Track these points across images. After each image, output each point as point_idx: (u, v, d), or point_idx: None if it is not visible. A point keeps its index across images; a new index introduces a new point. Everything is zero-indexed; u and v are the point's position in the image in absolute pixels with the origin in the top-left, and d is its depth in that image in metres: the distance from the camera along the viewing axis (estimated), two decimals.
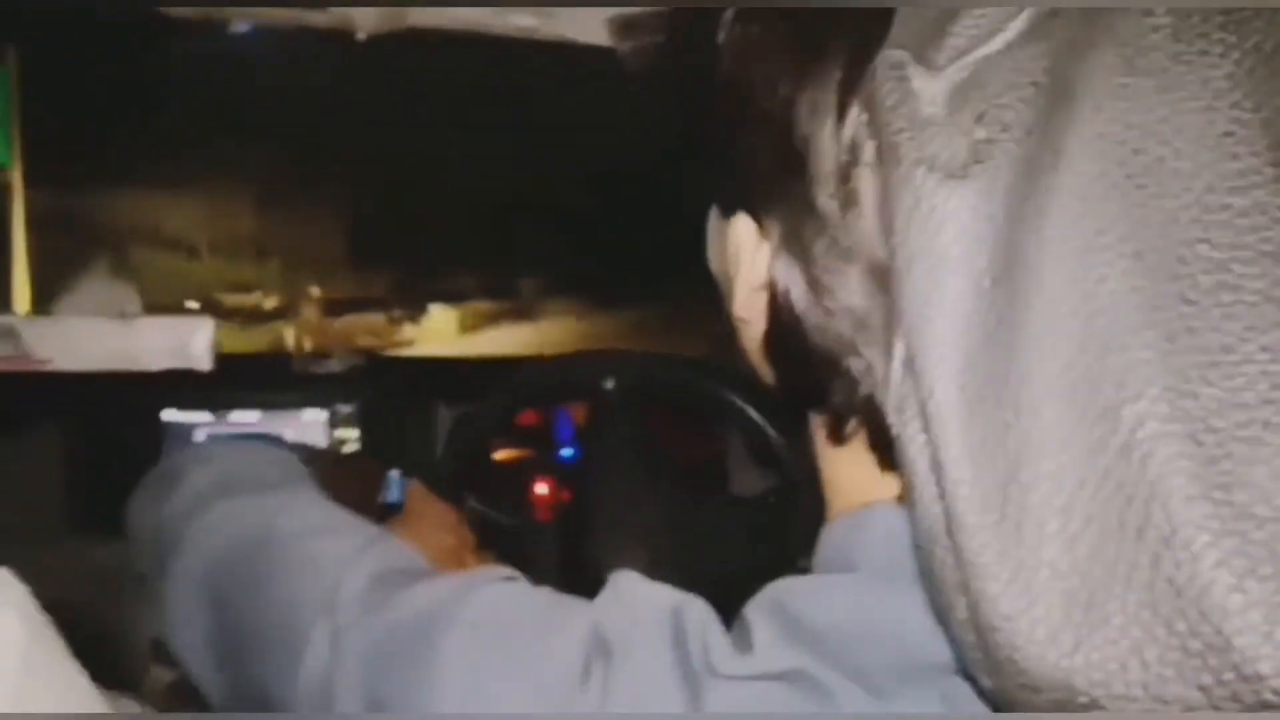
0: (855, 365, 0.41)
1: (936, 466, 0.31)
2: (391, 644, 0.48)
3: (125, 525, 0.74)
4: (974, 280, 0.31)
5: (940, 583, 0.32)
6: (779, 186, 0.42)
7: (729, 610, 0.47)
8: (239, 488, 0.67)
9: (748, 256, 0.45)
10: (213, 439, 0.81)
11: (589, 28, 0.95)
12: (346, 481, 0.87)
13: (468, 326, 1.81)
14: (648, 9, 0.93)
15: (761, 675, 0.41)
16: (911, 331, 0.32)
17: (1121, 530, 0.27)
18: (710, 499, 1.43)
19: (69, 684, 0.41)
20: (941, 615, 0.33)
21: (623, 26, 0.94)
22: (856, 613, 0.42)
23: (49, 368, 1.35)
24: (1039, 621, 0.28)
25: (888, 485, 0.44)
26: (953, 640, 0.34)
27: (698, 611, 0.44)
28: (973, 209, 0.31)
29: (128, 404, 1.30)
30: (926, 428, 0.32)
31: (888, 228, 0.34)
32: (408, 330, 1.71)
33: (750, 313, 0.46)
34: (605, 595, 0.47)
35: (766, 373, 0.48)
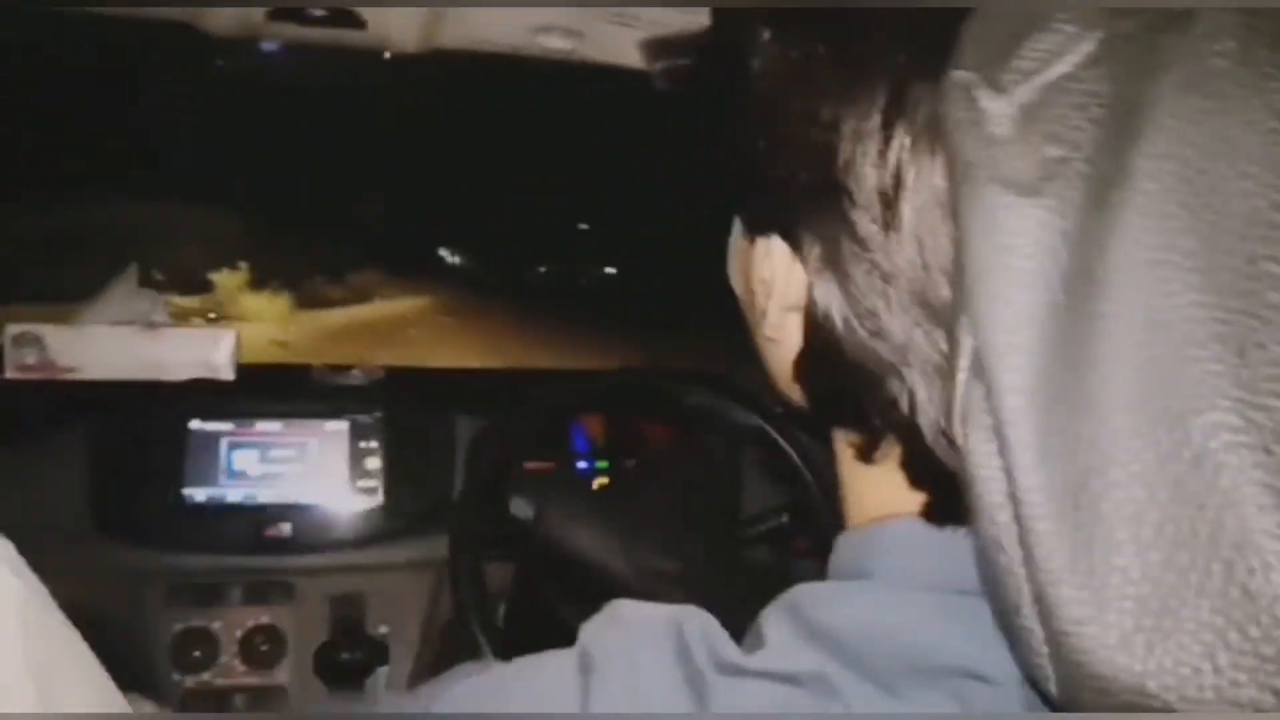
0: (894, 387, 0.42)
1: (1007, 474, 0.32)
2: None
3: None
4: (1045, 294, 0.32)
5: (1006, 589, 0.33)
6: (818, 209, 0.42)
7: (745, 622, 0.49)
8: None
9: (781, 277, 0.45)
10: None
11: (622, 50, 0.96)
12: None
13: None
14: (679, 32, 0.95)
15: (773, 673, 0.42)
16: (983, 343, 0.33)
17: (1194, 538, 0.28)
18: (724, 513, 1.44)
19: (64, 637, 0.42)
20: (1005, 621, 0.34)
21: (655, 49, 0.96)
22: (871, 615, 0.42)
23: (75, 376, 1.37)
24: (1111, 627, 0.29)
25: (908, 499, 0.45)
26: (1014, 646, 0.34)
27: (699, 619, 0.45)
28: (1043, 225, 0.32)
29: (154, 412, 1.31)
30: (996, 437, 0.32)
31: (958, 243, 0.35)
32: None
33: (781, 334, 0.47)
34: (595, 619, 0.47)
35: (795, 393, 0.49)
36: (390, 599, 1.33)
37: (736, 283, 0.52)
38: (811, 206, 0.43)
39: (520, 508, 1.10)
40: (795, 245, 0.44)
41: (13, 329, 1.35)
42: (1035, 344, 0.32)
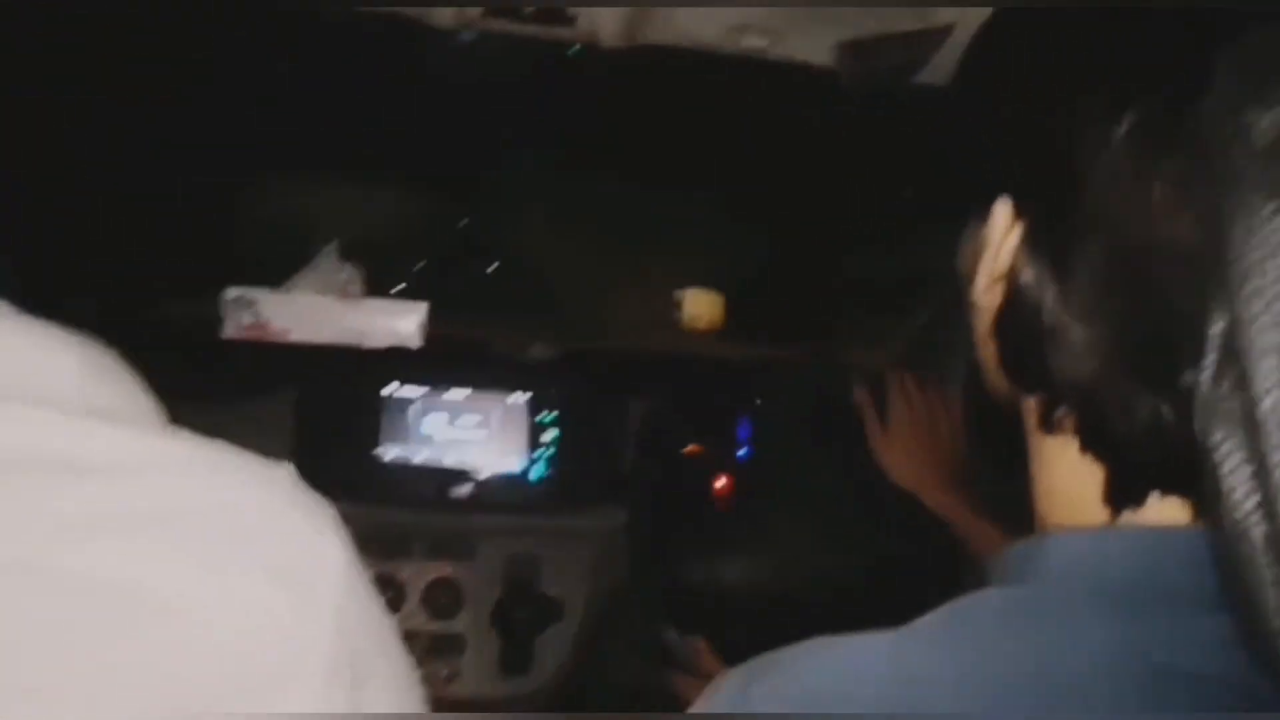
0: (1078, 338, 0.45)
1: (1262, 476, 0.34)
2: None
3: None
4: None
5: (1248, 581, 0.34)
6: (1048, 182, 0.47)
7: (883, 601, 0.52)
8: None
9: (996, 240, 0.50)
10: None
11: (817, 49, 0.98)
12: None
13: None
14: (877, 33, 0.96)
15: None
16: (1242, 343, 0.35)
17: None
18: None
19: (380, 621, 0.44)
20: (1253, 624, 0.36)
21: (851, 50, 0.97)
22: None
23: (284, 339, 1.49)
24: None
25: (1088, 476, 0.47)
26: (1262, 647, 0.36)
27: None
28: None
29: (354, 377, 1.42)
30: (1245, 432, 0.34)
31: (1218, 248, 0.36)
32: None
33: (988, 299, 0.51)
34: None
35: (991, 355, 0.53)
36: (562, 563, 1.41)
37: (964, 261, 0.56)
38: (1042, 178, 0.47)
39: None
40: (1019, 209, 0.49)
41: (231, 292, 1.48)
42: None
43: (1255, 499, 0.34)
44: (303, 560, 0.39)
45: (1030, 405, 0.51)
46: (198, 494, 0.38)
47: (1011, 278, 0.49)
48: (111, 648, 0.34)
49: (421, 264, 1.63)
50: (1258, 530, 0.34)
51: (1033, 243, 0.47)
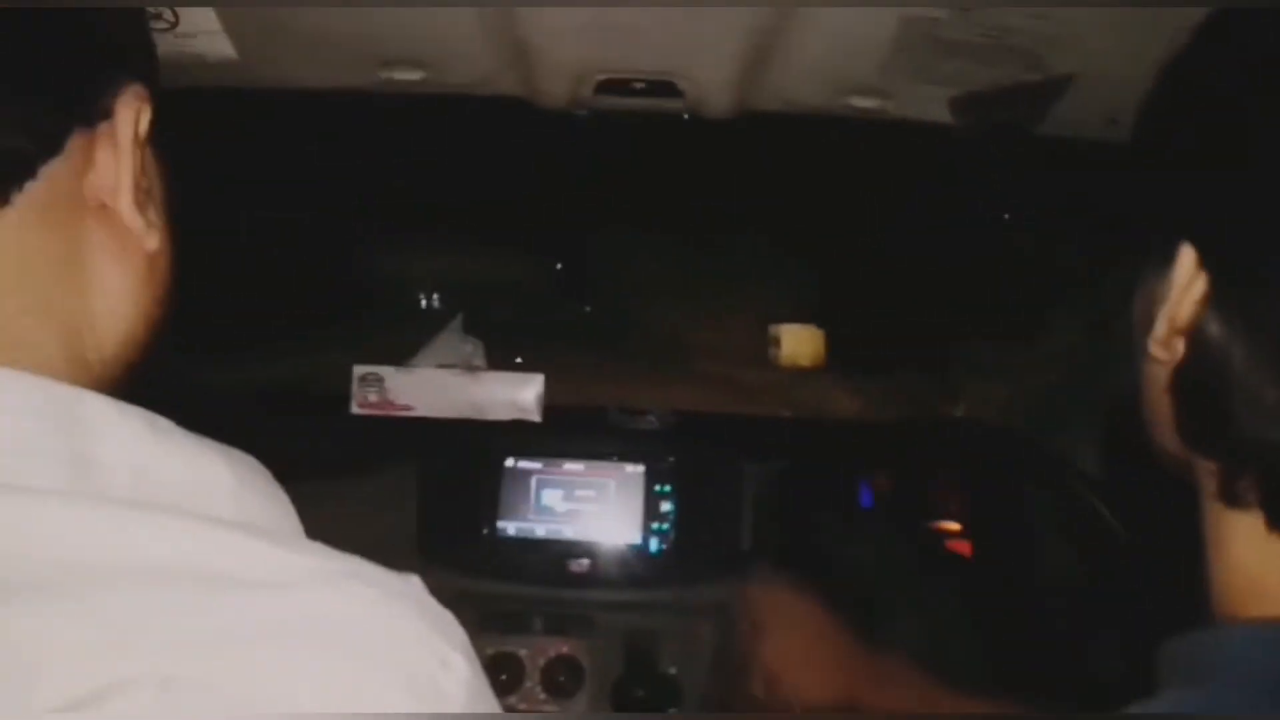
0: (1269, 400, 0.42)
1: None
2: None
3: None
4: None
5: None
6: (1241, 229, 0.44)
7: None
8: None
9: (1179, 290, 0.46)
10: None
11: (930, 107, 0.96)
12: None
13: None
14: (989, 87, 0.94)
15: None
16: None
17: None
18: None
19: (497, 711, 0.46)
20: None
21: (965, 103, 0.95)
22: None
23: (408, 414, 1.53)
24: None
25: (1275, 553, 0.43)
26: None
27: None
28: None
29: (474, 450, 1.43)
30: None
31: None
32: None
33: (1166, 353, 0.47)
34: None
35: (1164, 414, 0.49)
36: (682, 639, 1.38)
37: (1138, 311, 0.53)
38: (1234, 229, 0.45)
39: None
40: (1204, 259, 0.46)
41: (359, 370, 1.54)
42: None
43: None
44: (433, 670, 0.41)
45: (1210, 471, 0.47)
46: (339, 610, 0.40)
47: (1195, 332, 0.46)
48: None
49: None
50: None
51: (1222, 296, 0.44)
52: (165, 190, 0.53)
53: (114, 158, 0.48)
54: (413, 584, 0.44)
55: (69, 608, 0.35)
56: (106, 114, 0.47)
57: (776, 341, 1.53)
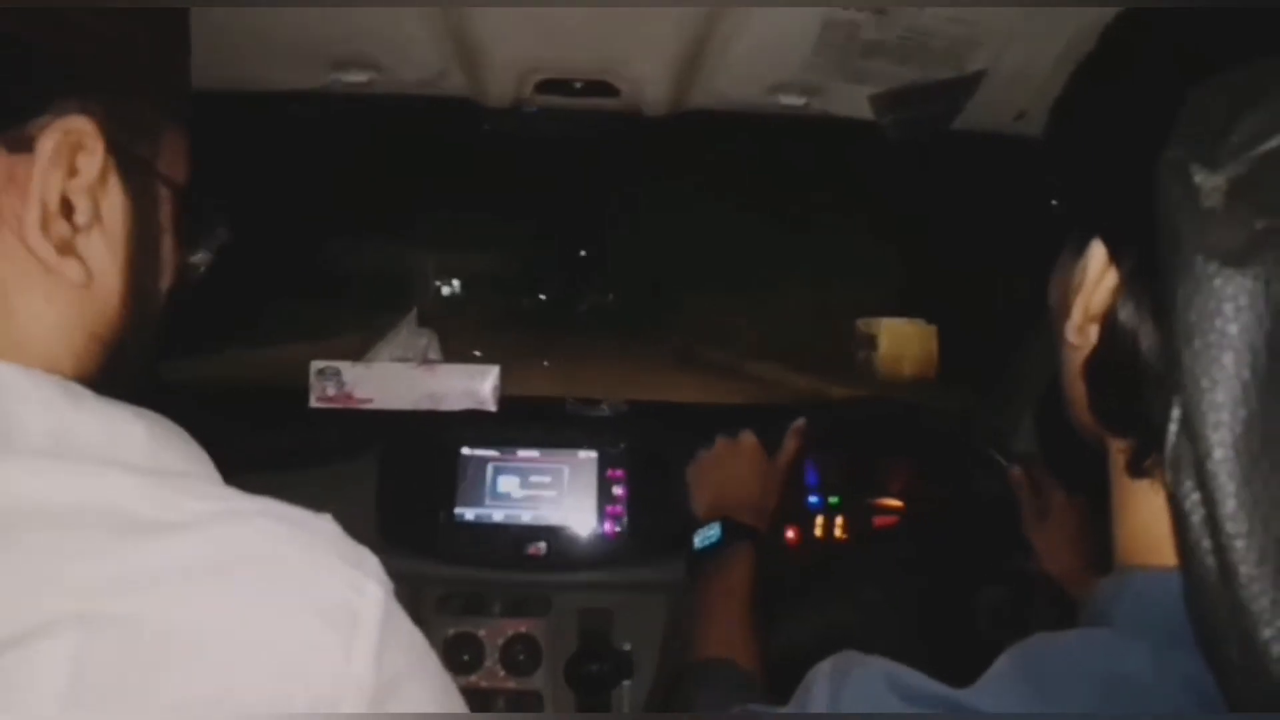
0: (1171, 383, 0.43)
1: (1211, 522, 0.35)
2: None
3: None
4: (1250, 355, 0.35)
5: (1210, 628, 0.36)
6: (1142, 222, 0.44)
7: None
8: None
9: (1091, 282, 0.49)
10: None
11: (854, 103, 1.02)
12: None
13: None
14: (909, 85, 0.99)
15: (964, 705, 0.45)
16: (1189, 399, 0.36)
17: None
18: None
19: (419, 647, 0.49)
20: (1210, 656, 0.37)
21: (885, 101, 1.00)
22: (1094, 663, 0.44)
23: (367, 406, 1.56)
24: None
25: (1171, 548, 0.45)
26: (1220, 678, 0.36)
27: (909, 672, 0.49)
28: (1250, 293, 0.35)
29: (431, 440, 1.47)
30: (1202, 486, 0.35)
31: (1168, 307, 0.38)
32: None
33: (1081, 339, 0.51)
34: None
35: (1080, 396, 0.52)
36: (635, 617, 1.43)
37: (1053, 298, 0.56)
38: (1135, 219, 0.45)
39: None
40: (1114, 253, 0.48)
41: (316, 364, 1.56)
42: (1241, 400, 0.34)
43: (1209, 544, 0.35)
44: (347, 596, 0.44)
45: (1119, 447, 0.50)
46: (253, 544, 0.43)
47: (1107, 320, 0.48)
48: (177, 687, 0.39)
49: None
50: (1212, 573, 0.35)
51: (1132, 287, 0.47)
52: (137, 225, 0.52)
53: (28, 183, 0.46)
54: (324, 520, 0.46)
55: None
56: (28, 142, 0.46)
57: (869, 339, 1.25)
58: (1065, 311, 0.52)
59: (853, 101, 1.01)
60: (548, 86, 1.08)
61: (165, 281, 0.56)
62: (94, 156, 0.48)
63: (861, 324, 1.25)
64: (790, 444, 1.29)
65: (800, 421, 1.31)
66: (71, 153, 0.48)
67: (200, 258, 0.61)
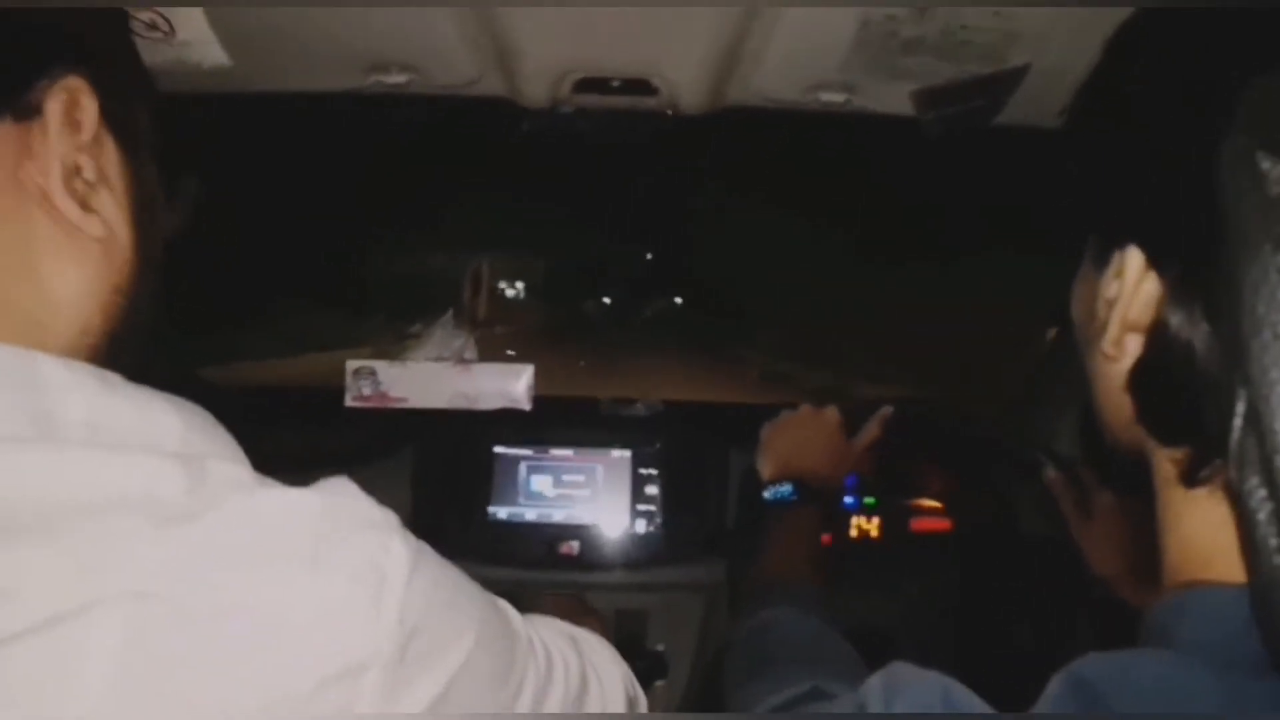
0: (1230, 387, 0.40)
1: (1278, 519, 0.34)
2: None
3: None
4: None
5: (1278, 629, 0.35)
6: (1187, 228, 0.43)
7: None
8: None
9: (1129, 291, 0.47)
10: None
11: (894, 101, 1.01)
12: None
13: None
14: (949, 82, 0.98)
15: None
16: (1257, 392, 0.35)
17: None
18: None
19: (453, 586, 0.52)
20: (1278, 659, 0.36)
21: (926, 97, 0.99)
22: (1151, 689, 0.42)
23: (403, 406, 1.57)
24: None
25: (1231, 534, 0.43)
26: None
27: (962, 690, 0.48)
28: None
29: (465, 439, 1.48)
30: (1269, 482, 0.34)
31: (1233, 300, 0.37)
32: None
33: (1119, 350, 0.49)
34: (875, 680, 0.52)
35: (1119, 409, 0.50)
36: (669, 617, 1.42)
37: (1077, 312, 0.55)
38: (1180, 220, 0.44)
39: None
40: (1155, 259, 0.46)
41: (352, 364, 1.58)
42: None
43: (1275, 542, 0.34)
44: (375, 556, 0.47)
45: (1171, 458, 0.48)
46: (280, 518, 0.45)
47: (1155, 329, 0.46)
48: (221, 656, 0.42)
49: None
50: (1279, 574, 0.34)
51: (1181, 292, 0.44)
52: (134, 180, 0.55)
53: (44, 147, 0.49)
54: (343, 483, 0.49)
55: (38, 540, 0.39)
56: (37, 107, 0.49)
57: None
58: (1093, 323, 0.50)
59: (894, 98, 1.00)
60: (585, 85, 1.08)
61: (162, 231, 0.59)
62: (91, 114, 0.52)
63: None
64: (872, 428, 1.29)
65: (886, 409, 1.30)
66: (73, 111, 0.51)
67: (181, 204, 0.64)
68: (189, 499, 0.43)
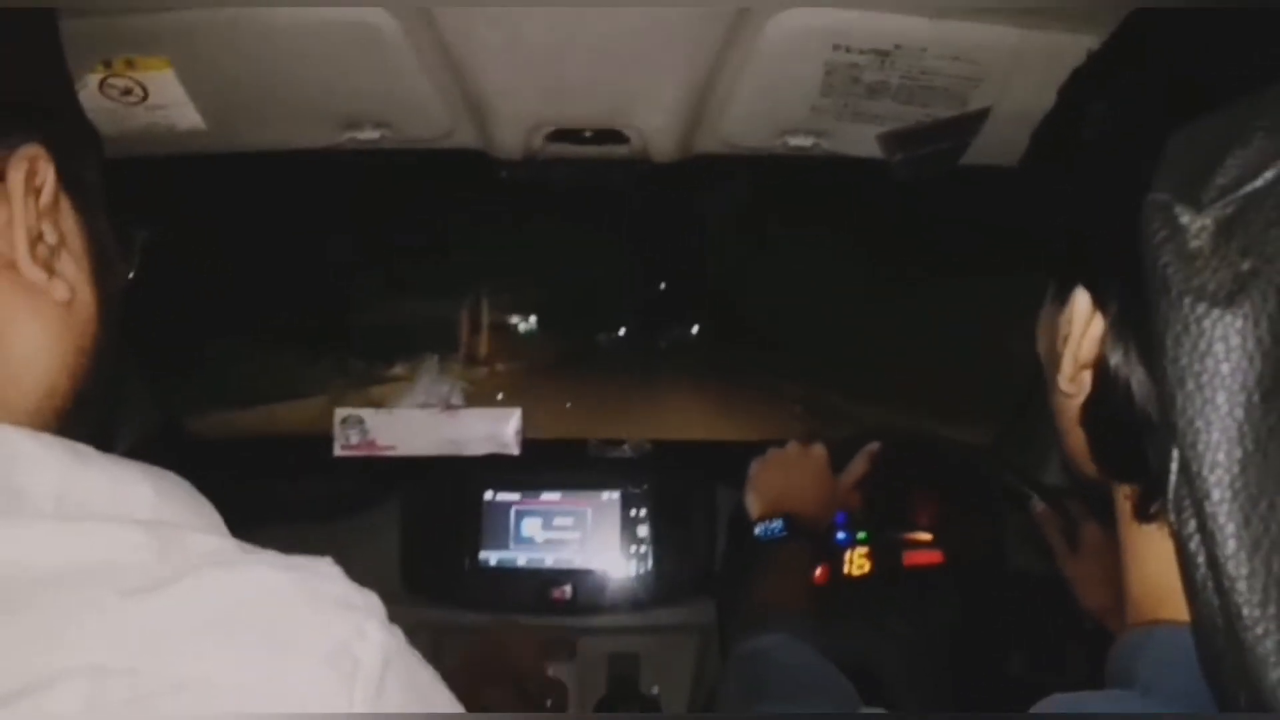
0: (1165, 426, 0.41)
1: (1213, 564, 0.34)
2: None
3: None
4: (1244, 395, 0.34)
5: (1218, 673, 0.35)
6: (1123, 267, 0.44)
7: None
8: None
9: (1078, 330, 0.48)
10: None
11: (861, 144, 1.02)
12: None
13: None
14: (916, 126, 0.99)
15: None
16: (1185, 442, 0.36)
17: None
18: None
19: (429, 684, 0.49)
20: (1220, 697, 0.36)
21: (892, 140, 1.01)
22: None
23: (391, 454, 1.57)
24: None
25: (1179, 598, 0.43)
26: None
27: None
28: (1239, 332, 0.35)
29: (453, 485, 1.48)
30: (1202, 528, 0.35)
31: (1158, 350, 0.38)
32: None
33: (1074, 388, 0.49)
34: None
35: (1079, 444, 0.51)
36: (662, 659, 1.42)
37: (1041, 346, 0.56)
38: (1117, 264, 0.45)
39: None
40: (1098, 300, 0.47)
41: (340, 412, 1.58)
42: (1236, 441, 0.34)
43: (1211, 584, 0.35)
44: (349, 640, 0.45)
45: (1125, 493, 0.49)
46: (253, 593, 0.44)
47: (1099, 367, 0.47)
48: None
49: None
50: (1217, 614, 0.35)
51: (1119, 332, 0.46)
52: (90, 238, 0.56)
53: (7, 215, 0.49)
54: (324, 564, 0.47)
55: (2, 615, 0.39)
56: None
57: None
58: (1054, 360, 0.51)
59: (861, 142, 1.02)
60: (558, 135, 1.09)
61: (120, 284, 0.60)
62: (50, 180, 0.52)
63: None
64: (859, 465, 1.29)
65: (874, 445, 1.30)
66: (33, 179, 0.51)
67: (134, 252, 0.65)
68: (158, 568, 0.42)
